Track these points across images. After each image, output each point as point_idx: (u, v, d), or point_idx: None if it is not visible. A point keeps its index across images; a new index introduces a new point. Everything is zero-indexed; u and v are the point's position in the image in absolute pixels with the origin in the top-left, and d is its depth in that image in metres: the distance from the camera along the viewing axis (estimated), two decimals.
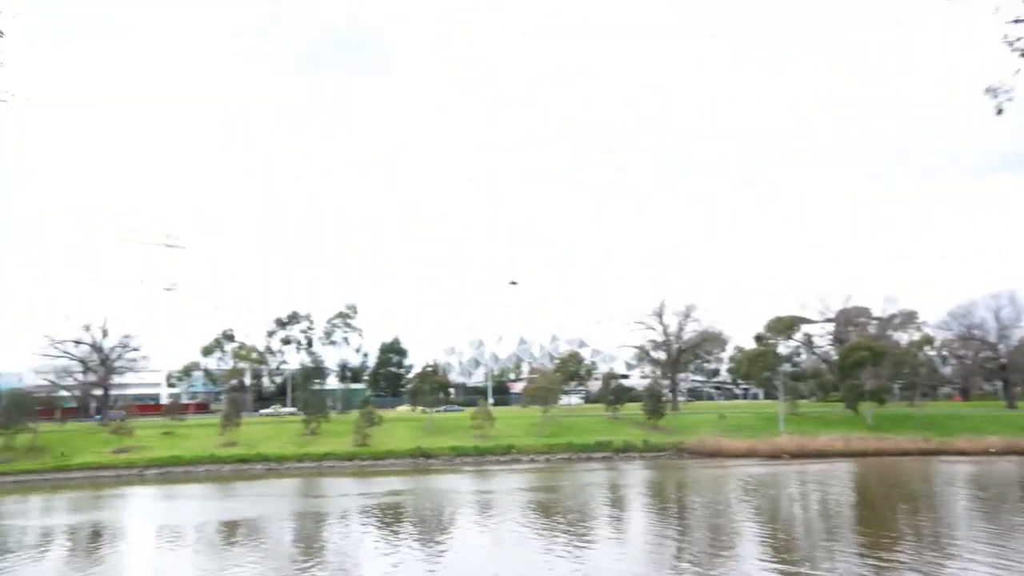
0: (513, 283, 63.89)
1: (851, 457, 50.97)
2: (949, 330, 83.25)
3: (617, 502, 33.83)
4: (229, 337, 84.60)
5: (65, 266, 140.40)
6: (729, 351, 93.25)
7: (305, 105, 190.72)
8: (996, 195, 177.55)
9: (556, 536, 24.48)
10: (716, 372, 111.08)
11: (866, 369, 65.52)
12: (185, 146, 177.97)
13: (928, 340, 79.87)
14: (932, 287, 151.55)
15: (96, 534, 28.08)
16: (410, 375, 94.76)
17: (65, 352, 71.21)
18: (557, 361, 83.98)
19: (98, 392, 72.86)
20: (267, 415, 74.98)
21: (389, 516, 29.92)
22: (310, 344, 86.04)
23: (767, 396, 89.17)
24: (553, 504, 32.02)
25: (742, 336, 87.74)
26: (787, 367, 77.52)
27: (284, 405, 79.40)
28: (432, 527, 27.45)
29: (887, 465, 47.03)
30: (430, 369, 77.49)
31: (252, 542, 25.04)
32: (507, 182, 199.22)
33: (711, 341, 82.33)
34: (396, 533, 26.25)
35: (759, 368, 70.85)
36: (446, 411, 70.81)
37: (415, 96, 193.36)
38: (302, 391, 75.72)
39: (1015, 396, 78.36)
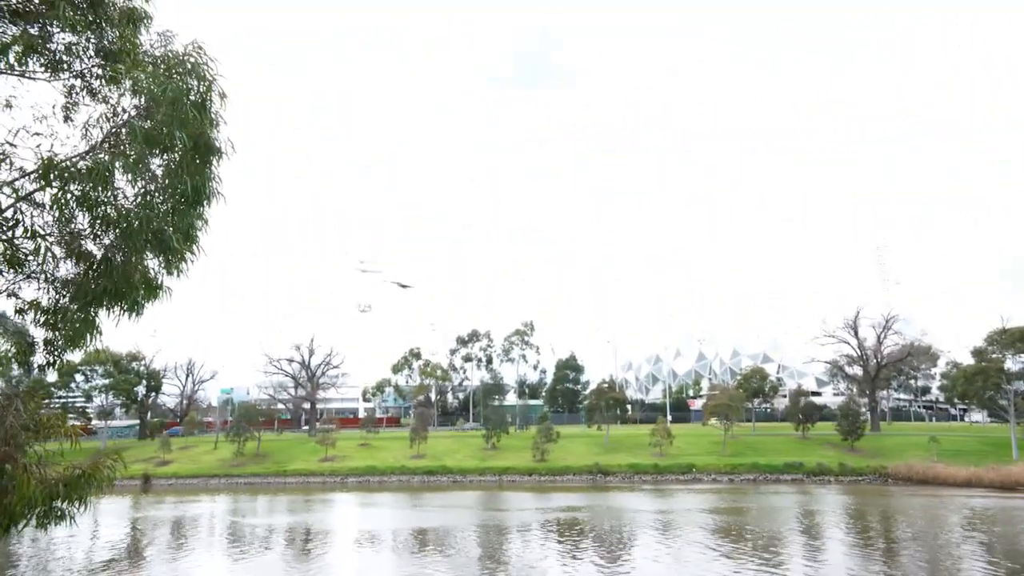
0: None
1: None
2: None
3: (811, 529, 31.27)
4: (416, 355, 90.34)
5: (282, 293, 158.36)
6: (941, 367, 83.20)
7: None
8: None
9: (742, 561, 23.18)
10: (926, 390, 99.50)
11: None
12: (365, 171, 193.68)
13: None
14: None
15: (309, 534, 31.15)
16: (587, 391, 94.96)
17: (280, 369, 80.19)
18: (739, 377, 79.87)
19: (306, 405, 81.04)
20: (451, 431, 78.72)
21: (568, 531, 30.09)
22: (490, 361, 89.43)
23: (991, 417, 78.13)
24: (739, 527, 30.36)
25: (958, 350, 77.80)
26: (1020, 385, 67.40)
27: (467, 420, 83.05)
28: (612, 544, 27.17)
29: None
30: (606, 385, 77.06)
31: (441, 549, 26.37)
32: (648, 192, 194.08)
33: (918, 356, 74.05)
34: (576, 548, 26.34)
35: (980, 386, 62.20)
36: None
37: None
38: (483, 407, 78.74)
39: None
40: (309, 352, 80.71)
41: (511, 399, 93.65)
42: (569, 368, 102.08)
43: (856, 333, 71.18)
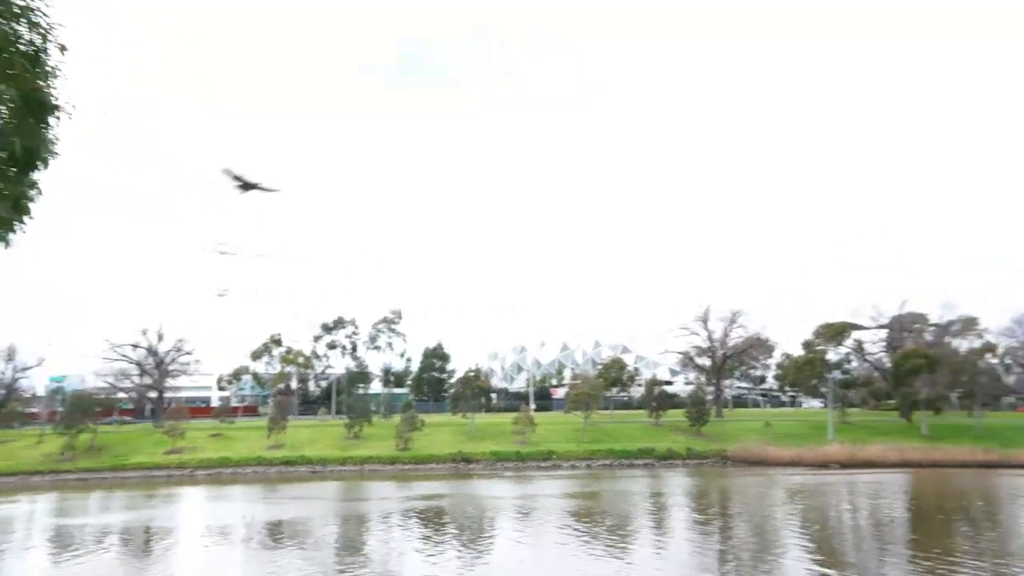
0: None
1: (904, 468, 49.33)
2: (1013, 337, 79.91)
3: (658, 509, 33.43)
4: (277, 342, 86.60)
5: (125, 272, 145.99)
6: (776, 357, 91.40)
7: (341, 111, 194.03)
8: None
9: (596, 542, 24.34)
10: (763, 379, 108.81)
11: (921, 377, 63.32)
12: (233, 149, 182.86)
13: (990, 347, 76.73)
14: (996, 294, 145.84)
15: (149, 532, 29.06)
16: (452, 380, 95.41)
17: (123, 356, 73.99)
18: (600, 367, 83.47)
19: (153, 394, 75.43)
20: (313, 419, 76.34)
21: (430, 519, 30.18)
22: (355, 349, 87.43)
23: (815, 404, 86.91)
24: (594, 510, 31.83)
25: (790, 342, 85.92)
26: (837, 374, 75.45)
27: (329, 412, 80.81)
28: (473, 531, 27.57)
29: (942, 477, 45.36)
30: (472, 374, 77.82)
31: (297, 542, 25.57)
32: (546, 185, 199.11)
33: (757, 347, 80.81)
34: (437, 536, 26.48)
35: (807, 375, 69.12)
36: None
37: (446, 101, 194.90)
38: (347, 395, 76.98)
39: None
40: (158, 337, 75.11)
41: (376, 387, 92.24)
42: (436, 357, 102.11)
43: (706, 325, 76.55)
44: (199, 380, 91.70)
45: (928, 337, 75.14)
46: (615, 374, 75.25)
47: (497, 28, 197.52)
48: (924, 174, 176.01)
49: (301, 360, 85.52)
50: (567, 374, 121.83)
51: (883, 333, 76.31)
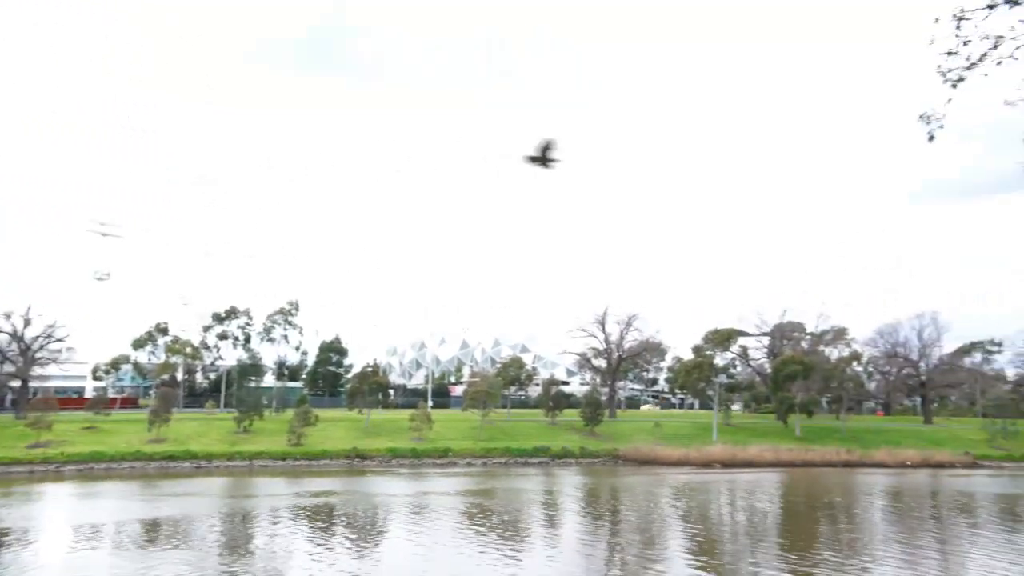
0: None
1: (779, 467, 52.68)
2: (876, 347, 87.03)
3: (551, 507, 34.10)
4: (163, 330, 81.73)
5: None
6: (668, 361, 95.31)
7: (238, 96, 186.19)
8: (928, 221, 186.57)
9: (488, 540, 24.52)
10: (655, 381, 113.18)
11: (797, 382, 67.85)
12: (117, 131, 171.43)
13: (856, 356, 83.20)
14: (863, 306, 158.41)
15: (5, 532, 26.66)
16: (349, 375, 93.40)
17: None
18: (499, 365, 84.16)
19: (16, 383, 69.32)
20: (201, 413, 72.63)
21: (320, 517, 29.41)
22: (248, 340, 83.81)
23: (703, 406, 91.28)
24: (487, 508, 32.04)
25: (681, 347, 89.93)
26: (723, 378, 79.60)
27: (217, 405, 77.11)
28: (364, 529, 27.11)
29: (812, 476, 48.77)
30: (370, 369, 76.50)
31: (176, 541, 24.24)
32: (447, 183, 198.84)
33: (651, 351, 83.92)
34: (327, 534, 25.84)
35: (695, 379, 72.49)
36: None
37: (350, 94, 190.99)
38: (237, 388, 73.76)
39: (931, 412, 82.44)
40: (24, 322, 69.04)
41: (269, 381, 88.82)
42: (333, 351, 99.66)
43: (604, 328, 78.72)
44: (72, 369, 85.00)
45: (804, 345, 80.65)
46: (514, 373, 76.08)
47: (497, 28, 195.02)
48: (818, 193, 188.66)
49: (189, 350, 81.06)
50: (466, 372, 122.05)
51: (766, 340, 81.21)
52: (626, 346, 79.40)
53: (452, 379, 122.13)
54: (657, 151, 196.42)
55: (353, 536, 25.49)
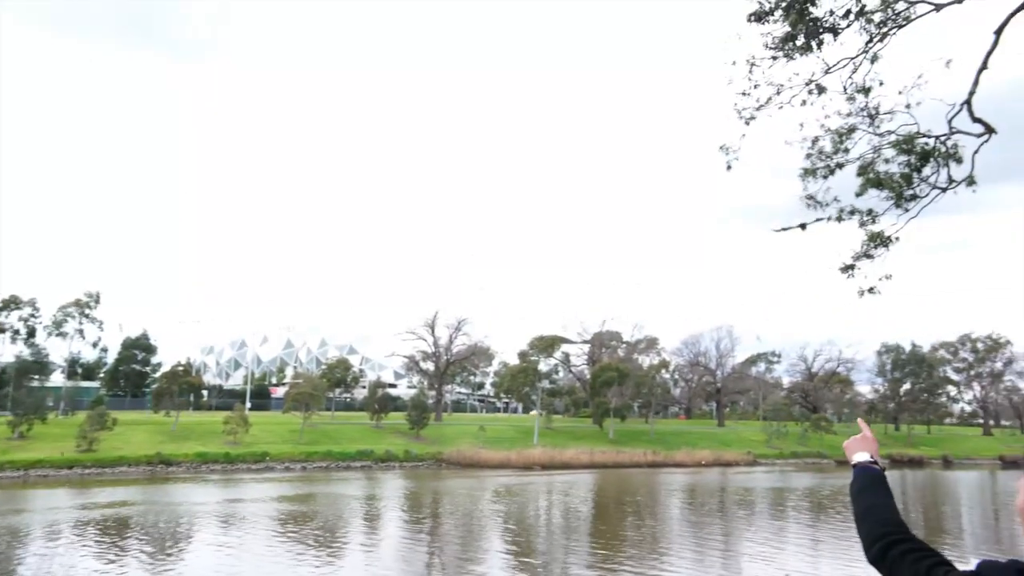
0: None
1: (594, 468, 55.83)
2: (681, 356, 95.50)
3: (372, 511, 33.49)
4: None
5: None
6: (495, 366, 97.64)
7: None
8: (729, 241, 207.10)
9: (305, 546, 23.55)
10: (481, 385, 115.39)
11: (613, 388, 72.47)
12: None
13: (665, 364, 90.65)
14: (673, 318, 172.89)
15: None
16: (157, 374, 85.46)
17: None
18: (324, 367, 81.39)
19: None
20: None
21: (111, 530, 26.52)
22: (32, 334, 73.80)
23: (526, 410, 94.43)
24: (305, 514, 30.77)
25: (508, 352, 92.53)
26: (546, 383, 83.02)
27: None
28: (164, 541, 24.85)
29: (621, 476, 52.23)
30: (181, 368, 70.55)
31: None
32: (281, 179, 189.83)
33: (479, 355, 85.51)
34: (118, 549, 23.35)
35: (520, 383, 74.91)
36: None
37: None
38: (15, 388, 64.63)
39: (724, 416, 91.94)
40: None
41: (58, 380, 78.81)
42: (138, 348, 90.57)
43: (433, 331, 78.92)
44: None
45: (621, 353, 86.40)
46: (340, 375, 74.00)
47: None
48: (639, 213, 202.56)
49: None
50: (289, 373, 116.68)
51: (587, 347, 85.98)
52: (454, 350, 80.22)
53: (274, 380, 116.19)
54: (491, 159, 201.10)
55: (150, 549, 23.28)
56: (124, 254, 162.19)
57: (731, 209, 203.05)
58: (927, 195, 9.05)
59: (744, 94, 9.49)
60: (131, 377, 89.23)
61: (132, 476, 45.66)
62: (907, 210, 9.16)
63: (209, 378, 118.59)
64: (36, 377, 71.08)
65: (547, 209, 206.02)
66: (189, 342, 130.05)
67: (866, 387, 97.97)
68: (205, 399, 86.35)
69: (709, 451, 64.49)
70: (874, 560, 1.89)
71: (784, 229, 9.94)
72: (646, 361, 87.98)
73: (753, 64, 9.26)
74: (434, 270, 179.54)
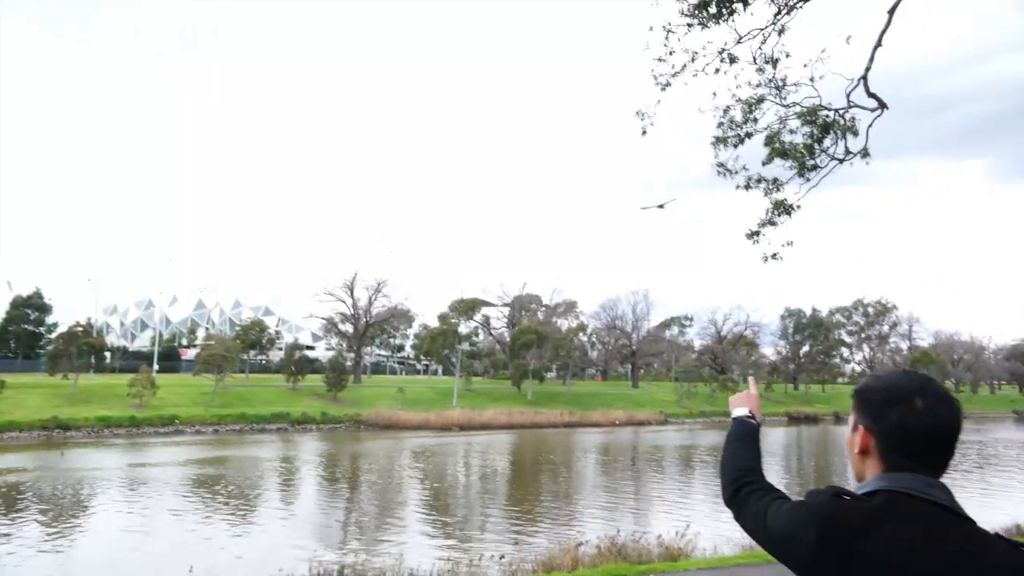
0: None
1: (512, 429, 56.89)
2: (598, 320, 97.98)
3: (287, 474, 33.09)
4: None
5: None
6: (415, 328, 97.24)
7: None
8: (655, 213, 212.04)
9: (216, 509, 23.09)
10: (401, 348, 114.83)
11: (532, 350, 73.67)
12: None
13: (583, 327, 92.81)
14: (592, 282, 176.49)
15: None
16: (53, 335, 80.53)
17: None
18: (238, 328, 78.86)
19: None
20: None
21: (1, 498, 25.13)
22: None
23: (446, 372, 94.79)
24: (216, 477, 30.06)
25: (428, 314, 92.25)
26: (466, 346, 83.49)
27: None
28: (63, 508, 23.75)
29: (539, 436, 53.49)
30: (80, 329, 66.68)
31: None
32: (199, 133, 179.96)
33: (399, 317, 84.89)
34: (9, 518, 22.18)
35: (440, 345, 75.02)
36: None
37: None
38: None
39: (638, 377, 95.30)
40: None
41: None
42: (31, 307, 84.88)
43: (352, 293, 77.65)
44: None
45: (540, 316, 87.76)
46: (255, 336, 72.00)
47: None
48: (565, 176, 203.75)
49: None
50: (201, 334, 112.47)
51: (506, 310, 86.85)
52: (374, 312, 79.30)
53: (184, 342, 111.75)
54: (417, 121, 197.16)
55: (47, 518, 22.21)
56: (17, 206, 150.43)
57: (651, 177, 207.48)
58: (826, 166, 9.57)
59: (660, 60, 9.67)
60: (22, 337, 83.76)
61: (24, 441, 43.20)
62: (808, 179, 9.67)
63: (113, 339, 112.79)
64: None
65: (471, 172, 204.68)
66: (90, 302, 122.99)
67: (770, 349, 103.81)
68: (108, 361, 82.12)
69: (623, 411, 66.79)
70: (727, 502, 2.10)
71: (645, 208, 10.54)
72: (565, 324, 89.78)
73: (669, 31, 9.42)
74: (353, 231, 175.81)
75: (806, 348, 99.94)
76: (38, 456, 37.16)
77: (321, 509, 24.54)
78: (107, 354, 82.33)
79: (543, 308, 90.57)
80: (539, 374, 74.47)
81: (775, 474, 33.45)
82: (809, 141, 9.61)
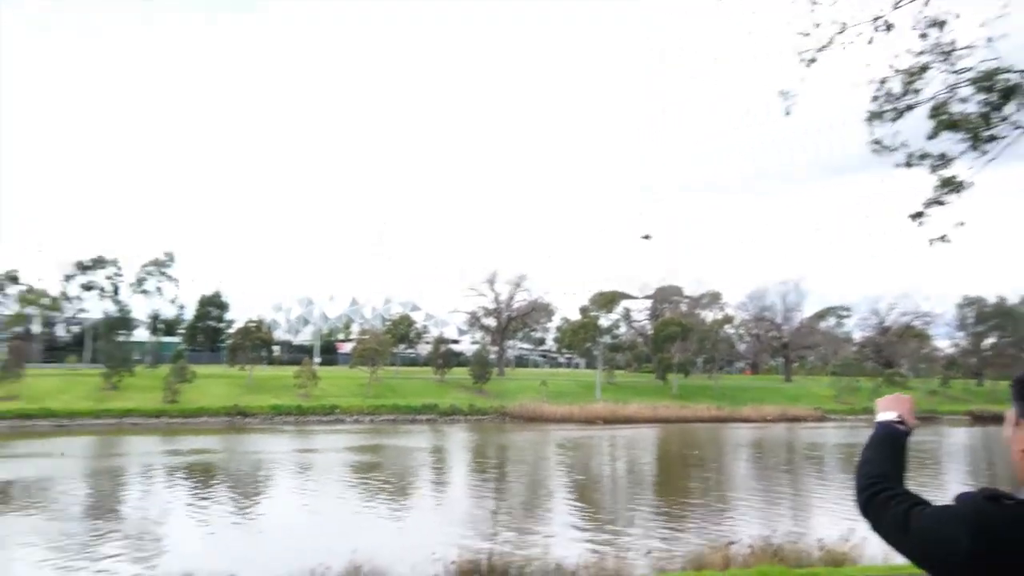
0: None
1: (657, 423, 55.92)
2: (746, 311, 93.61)
3: (438, 463, 34.65)
4: (13, 279, 74.60)
5: None
6: (556, 321, 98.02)
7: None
8: (796, 192, 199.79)
9: (376, 493, 24.65)
10: (542, 341, 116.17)
11: (676, 343, 71.92)
12: None
13: (729, 319, 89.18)
14: (737, 272, 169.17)
15: None
16: (231, 330, 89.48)
17: None
18: (389, 323, 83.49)
19: None
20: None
21: (199, 475, 28.39)
22: (116, 292, 78.10)
23: (588, 366, 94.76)
24: (375, 464, 32.10)
25: (568, 308, 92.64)
26: (607, 339, 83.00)
27: (81, 360, 71.86)
28: (247, 485, 26.46)
29: (686, 431, 52.15)
30: (253, 325, 73.65)
31: (31, 504, 22.67)
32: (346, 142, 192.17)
33: (539, 311, 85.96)
34: (207, 492, 25.05)
35: (581, 339, 75.14)
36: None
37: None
38: (104, 342, 68.94)
39: (791, 371, 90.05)
40: None
41: (142, 335, 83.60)
42: (213, 305, 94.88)
43: (493, 288, 79.68)
44: None
45: (683, 308, 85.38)
46: (403, 330, 75.78)
47: None
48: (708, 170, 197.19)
49: (46, 301, 74.66)
50: (355, 329, 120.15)
51: (648, 303, 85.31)
52: (515, 306, 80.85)
53: (341, 336, 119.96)
54: (536, 114, 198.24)
55: (235, 493, 24.84)
56: (196, 213, 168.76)
57: (795, 159, 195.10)
58: (1007, 136, 8.55)
59: (805, 35, 9.08)
60: (207, 333, 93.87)
61: (212, 426, 48.42)
62: (985, 152, 8.68)
63: (279, 334, 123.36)
64: (122, 332, 75.64)
65: (605, 160, 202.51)
66: (260, 300, 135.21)
67: (945, 342, 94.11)
68: (276, 354, 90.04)
69: (775, 406, 63.51)
70: (862, 510, 1.93)
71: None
72: (709, 316, 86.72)
73: (815, 2, 8.82)
74: (495, 226, 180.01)
75: (991, 340, 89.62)
76: (224, 439, 41.59)
77: (470, 498, 25.47)
78: (275, 347, 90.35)
79: (686, 300, 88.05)
80: (684, 367, 72.56)
81: (957, 481, 30.45)
82: (985, 109, 8.63)
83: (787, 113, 9.91)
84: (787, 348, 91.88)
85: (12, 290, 74.20)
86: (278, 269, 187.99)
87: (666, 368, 71.93)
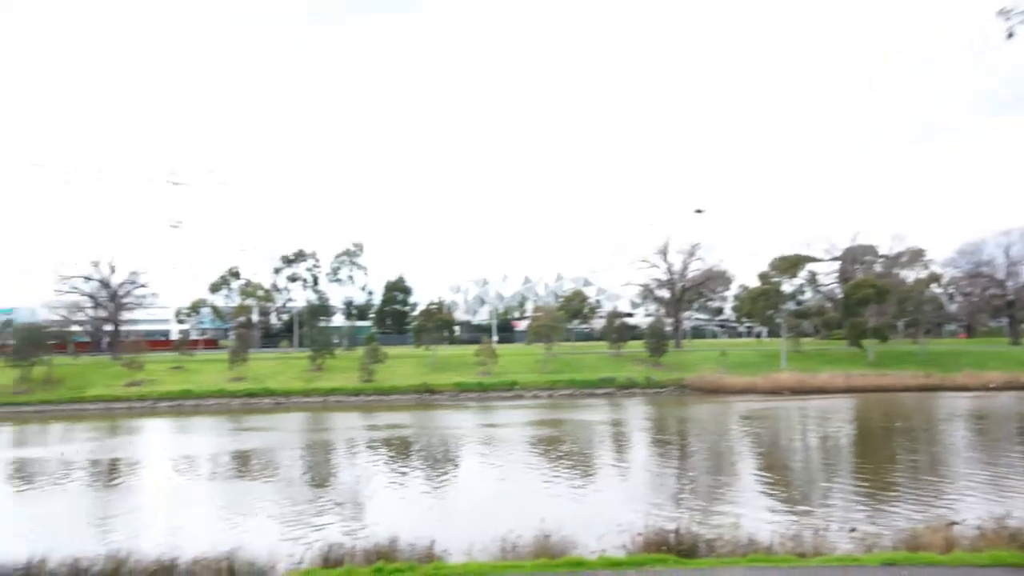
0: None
1: (851, 393, 51.62)
2: (957, 267, 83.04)
3: (619, 436, 34.57)
4: (235, 275, 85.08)
5: (74, 203, 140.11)
6: (734, 289, 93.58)
7: (309, 30, 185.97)
8: (1007, 134, 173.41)
9: (559, 466, 25.14)
10: (720, 311, 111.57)
11: (870, 307, 65.73)
12: (187, 82, 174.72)
13: (935, 278, 79.80)
14: (942, 225, 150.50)
15: (116, 463, 28.96)
16: (415, 313, 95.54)
17: (74, 288, 72.02)
18: (561, 299, 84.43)
19: (109, 327, 74.01)
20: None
21: (396, 448, 30.75)
22: (316, 282, 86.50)
23: (771, 334, 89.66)
24: (556, 438, 32.75)
25: (746, 275, 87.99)
26: (791, 305, 77.77)
27: (291, 344, 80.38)
28: (439, 458, 28.20)
29: (885, 400, 47.65)
30: (434, 307, 78.00)
31: (265, 471, 25.83)
32: (505, 118, 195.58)
33: (715, 280, 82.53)
34: (404, 463, 27.05)
35: (762, 306, 71.03)
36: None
37: (427, 31, 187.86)
38: (308, 328, 76.64)
39: (1020, 332, 78.59)
40: (110, 269, 73.09)
41: (338, 320, 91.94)
42: (398, 290, 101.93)
43: (666, 259, 77.62)
44: (157, 313, 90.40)
45: (878, 268, 77.67)
46: (576, 306, 76.20)
47: None
48: (886, 109, 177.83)
49: (261, 293, 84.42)
50: (529, 307, 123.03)
51: (835, 265, 78.56)
52: (689, 276, 78.27)
53: (516, 314, 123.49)
54: (709, 78, 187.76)
55: (429, 465, 26.57)
56: (379, 205, 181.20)
57: (988, 93, 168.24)
58: None
59: None
60: (394, 316, 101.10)
61: (403, 403, 52.10)
62: None
63: (458, 315, 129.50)
64: (322, 318, 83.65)
65: (777, 120, 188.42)
66: (439, 282, 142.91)
67: None
68: (457, 334, 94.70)
69: (999, 372, 55.88)
70: None
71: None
72: (911, 275, 78.11)
73: None
74: (664, 195, 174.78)
75: None
76: (415, 415, 44.62)
77: (653, 471, 25.13)
78: (456, 328, 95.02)
79: (881, 259, 79.90)
80: (881, 332, 66.16)
81: None
82: None
83: (1009, 35, 8.59)
84: (1012, 307, 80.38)
85: (235, 284, 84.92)
86: (454, 251, 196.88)
87: (860, 334, 66.02)
